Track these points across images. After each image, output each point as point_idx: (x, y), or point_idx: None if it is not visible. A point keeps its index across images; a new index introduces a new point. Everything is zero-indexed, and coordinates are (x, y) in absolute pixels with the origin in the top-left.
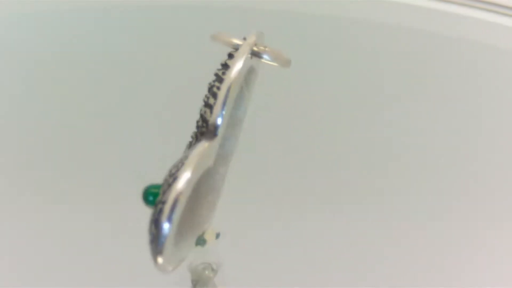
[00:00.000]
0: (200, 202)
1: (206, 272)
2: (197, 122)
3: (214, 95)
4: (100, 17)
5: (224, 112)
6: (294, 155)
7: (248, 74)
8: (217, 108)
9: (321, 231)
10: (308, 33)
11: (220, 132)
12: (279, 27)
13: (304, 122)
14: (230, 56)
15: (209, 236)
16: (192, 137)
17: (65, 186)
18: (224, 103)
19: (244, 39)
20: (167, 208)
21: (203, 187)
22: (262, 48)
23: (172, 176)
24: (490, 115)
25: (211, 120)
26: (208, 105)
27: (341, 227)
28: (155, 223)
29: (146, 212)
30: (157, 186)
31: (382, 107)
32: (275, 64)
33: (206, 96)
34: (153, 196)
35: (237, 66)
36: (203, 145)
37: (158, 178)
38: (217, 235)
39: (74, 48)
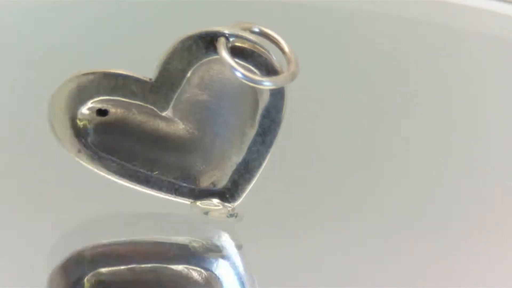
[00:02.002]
0: (134, 130)
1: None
2: None
3: None
4: (96, 11)
5: (164, 59)
6: (297, 153)
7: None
8: None
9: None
10: (312, 25)
11: (157, 77)
12: (281, 20)
13: (307, 123)
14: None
15: (216, 212)
16: None
17: (65, 183)
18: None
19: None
20: None
21: (130, 118)
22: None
23: None
24: (498, 112)
25: None
26: None
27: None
28: None
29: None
30: None
31: (390, 106)
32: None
33: None
34: None
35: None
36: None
37: None
38: (231, 215)
39: (71, 44)
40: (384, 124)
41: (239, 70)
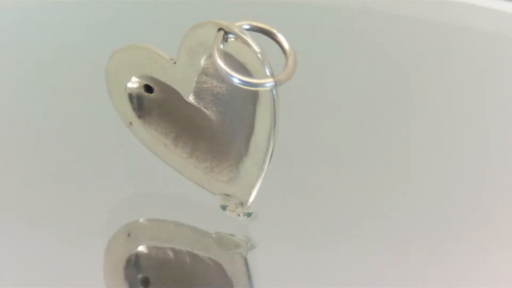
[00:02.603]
0: (169, 108)
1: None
2: None
3: None
4: (96, 11)
5: (181, 43)
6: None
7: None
8: None
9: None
10: (312, 25)
11: (178, 60)
12: (281, 19)
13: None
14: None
15: (231, 209)
16: None
17: (64, 186)
18: None
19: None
20: None
21: (170, 100)
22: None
23: None
24: (499, 112)
25: None
26: None
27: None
28: None
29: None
30: None
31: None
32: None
33: None
34: None
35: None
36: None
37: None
38: (243, 214)
39: (72, 44)
40: (387, 123)
41: (236, 76)
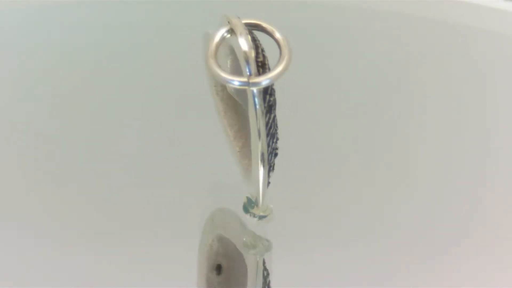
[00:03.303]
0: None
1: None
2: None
3: None
4: (96, 12)
5: None
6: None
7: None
8: None
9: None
10: (312, 24)
11: None
12: (281, 18)
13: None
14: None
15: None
16: None
17: (62, 186)
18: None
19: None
20: None
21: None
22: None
23: None
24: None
25: None
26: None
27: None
28: None
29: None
30: None
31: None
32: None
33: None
34: None
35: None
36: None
37: (158, 181)
38: (258, 216)
39: (72, 45)
40: (387, 122)
41: (236, 80)
